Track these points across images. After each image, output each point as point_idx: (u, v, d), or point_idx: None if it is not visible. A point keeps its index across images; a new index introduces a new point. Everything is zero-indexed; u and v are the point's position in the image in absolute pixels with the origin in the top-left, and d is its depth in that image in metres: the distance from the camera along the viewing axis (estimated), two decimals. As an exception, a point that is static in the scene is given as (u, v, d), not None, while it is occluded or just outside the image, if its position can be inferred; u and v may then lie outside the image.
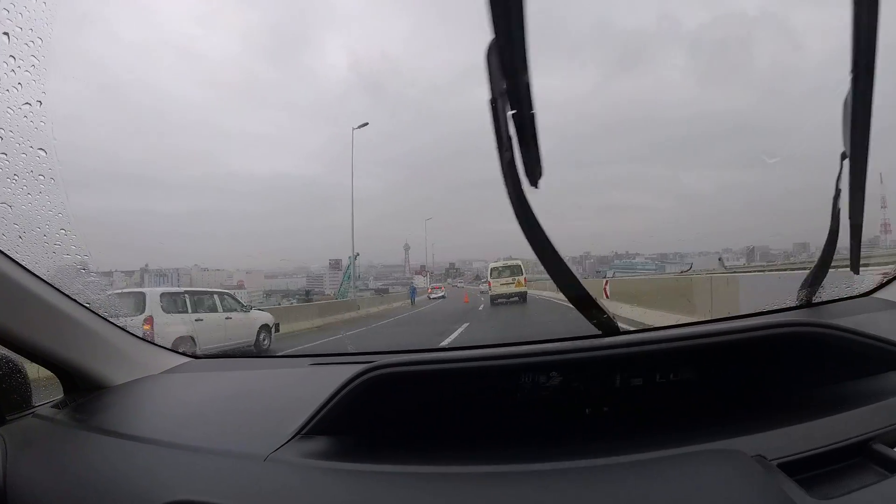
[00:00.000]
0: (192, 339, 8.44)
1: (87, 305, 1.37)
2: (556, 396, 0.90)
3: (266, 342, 10.71)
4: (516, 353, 0.87)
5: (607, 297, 13.55)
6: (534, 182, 0.90)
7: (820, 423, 0.81)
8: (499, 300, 20.90)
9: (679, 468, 0.72)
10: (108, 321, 1.44)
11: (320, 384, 0.97)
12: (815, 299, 1.58)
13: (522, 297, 21.06)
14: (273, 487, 0.82)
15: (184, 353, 1.71)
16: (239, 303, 10.76)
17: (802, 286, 1.50)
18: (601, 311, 1.15)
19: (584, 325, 1.20)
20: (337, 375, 0.95)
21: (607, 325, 1.17)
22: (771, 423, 0.82)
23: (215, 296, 10.18)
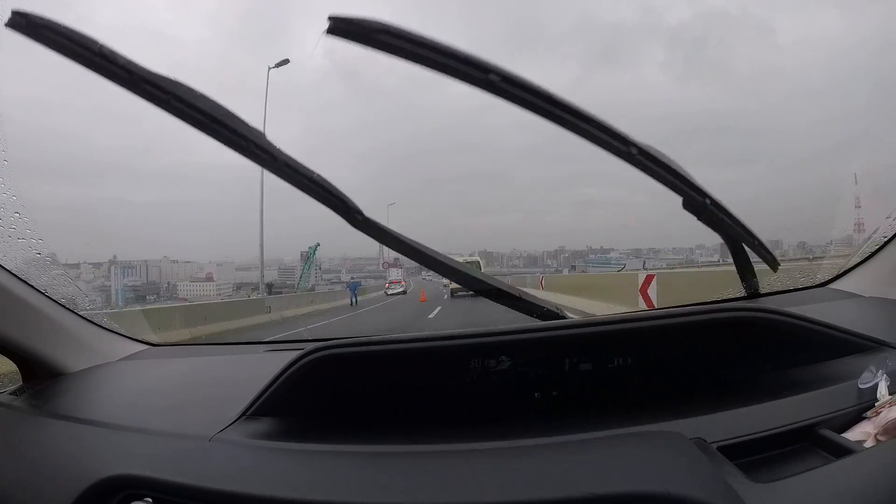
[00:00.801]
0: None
1: (45, 292, 1.33)
2: (505, 381, 0.90)
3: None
4: (463, 335, 0.86)
5: (542, 288, 14.90)
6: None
7: (764, 407, 0.81)
8: (458, 293, 22.78)
9: (616, 447, 0.72)
10: (66, 308, 1.41)
11: (273, 369, 0.95)
12: (769, 289, 1.60)
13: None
14: (217, 466, 0.82)
15: (141, 341, 1.69)
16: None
17: (750, 277, 1.50)
18: (534, 302, 1.16)
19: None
20: (286, 359, 0.95)
21: (551, 315, 1.17)
22: (714, 406, 0.82)
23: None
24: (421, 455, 0.78)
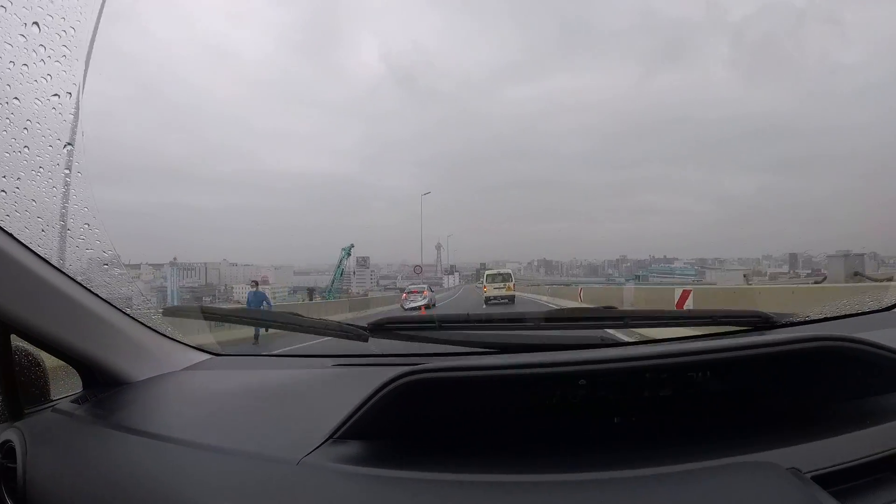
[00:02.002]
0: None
1: (109, 300, 1.36)
2: (585, 405, 0.89)
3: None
4: (550, 362, 0.85)
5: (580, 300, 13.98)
6: None
7: (851, 437, 0.81)
8: (492, 301, 25.07)
9: (715, 480, 0.71)
10: (130, 316, 1.43)
11: (347, 386, 0.99)
12: (835, 313, 1.59)
13: (511, 299, 25.60)
14: (307, 493, 0.80)
15: (205, 350, 1.70)
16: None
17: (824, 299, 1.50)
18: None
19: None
20: (362, 378, 0.97)
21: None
22: (801, 436, 0.81)
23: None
24: (511, 486, 0.77)
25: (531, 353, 1.02)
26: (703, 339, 1.48)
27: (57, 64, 1.19)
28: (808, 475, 0.71)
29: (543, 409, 0.90)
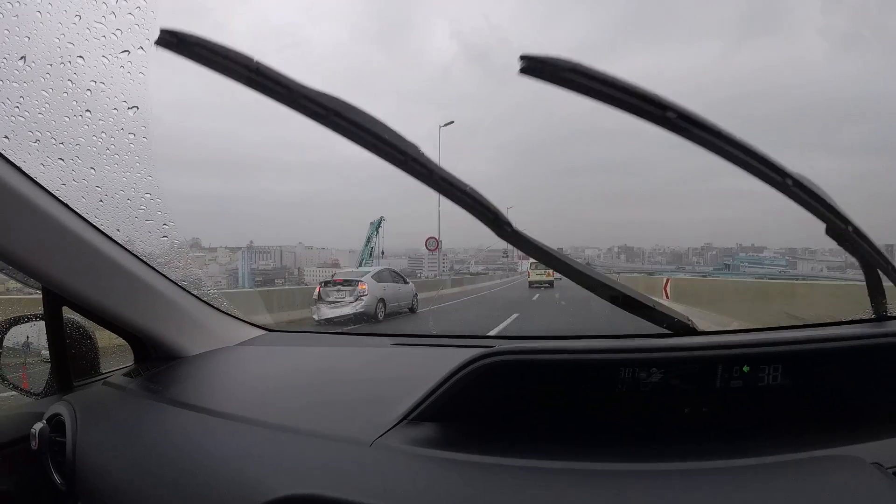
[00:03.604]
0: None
1: (164, 273, 1.32)
2: (655, 393, 0.88)
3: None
4: (624, 348, 0.85)
5: (667, 298, 13.89)
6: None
7: None
8: (534, 285, 28.53)
9: (797, 474, 0.70)
10: (185, 289, 1.39)
11: (409, 366, 0.99)
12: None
13: (551, 283, 28.22)
14: (381, 475, 0.78)
15: (259, 326, 1.66)
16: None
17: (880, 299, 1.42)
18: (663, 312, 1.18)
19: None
20: (424, 358, 0.97)
21: (681, 326, 1.19)
22: (882, 431, 0.81)
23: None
24: (585, 474, 0.75)
25: (605, 339, 1.02)
26: (777, 329, 1.47)
27: (129, 16, 1.10)
28: (891, 470, 0.70)
29: (614, 396, 0.89)
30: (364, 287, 11.40)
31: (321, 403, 1.07)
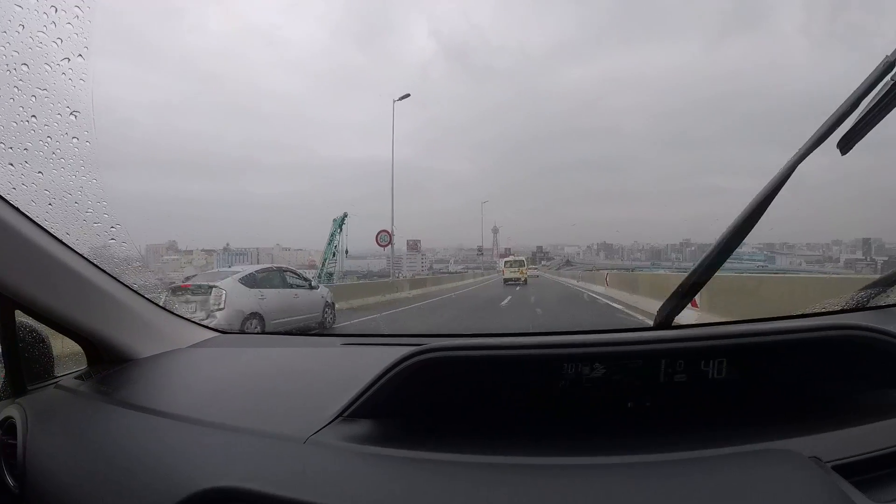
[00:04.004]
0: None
1: (115, 276, 1.33)
2: (598, 388, 0.88)
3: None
4: (564, 343, 0.85)
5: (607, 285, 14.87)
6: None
7: (871, 428, 0.80)
8: (509, 282, 30.81)
9: (735, 467, 0.70)
10: (136, 292, 1.40)
11: (355, 365, 0.97)
12: (873, 303, 1.57)
13: (524, 281, 31.49)
14: (315, 472, 0.78)
15: (211, 328, 1.67)
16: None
17: (863, 288, 1.49)
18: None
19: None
20: (371, 357, 0.96)
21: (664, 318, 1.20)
22: (822, 425, 0.81)
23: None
24: (523, 469, 0.75)
25: (545, 335, 0.99)
26: (722, 325, 1.48)
27: (69, 26, 1.13)
28: (830, 464, 0.71)
29: (556, 392, 0.89)
30: (222, 295, 7.82)
31: (263, 402, 1.09)
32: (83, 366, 1.36)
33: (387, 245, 25.36)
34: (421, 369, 0.85)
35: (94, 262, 1.27)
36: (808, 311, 1.64)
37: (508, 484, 0.72)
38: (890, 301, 1.61)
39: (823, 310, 1.58)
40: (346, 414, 0.91)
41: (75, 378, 1.28)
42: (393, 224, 25.95)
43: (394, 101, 28.01)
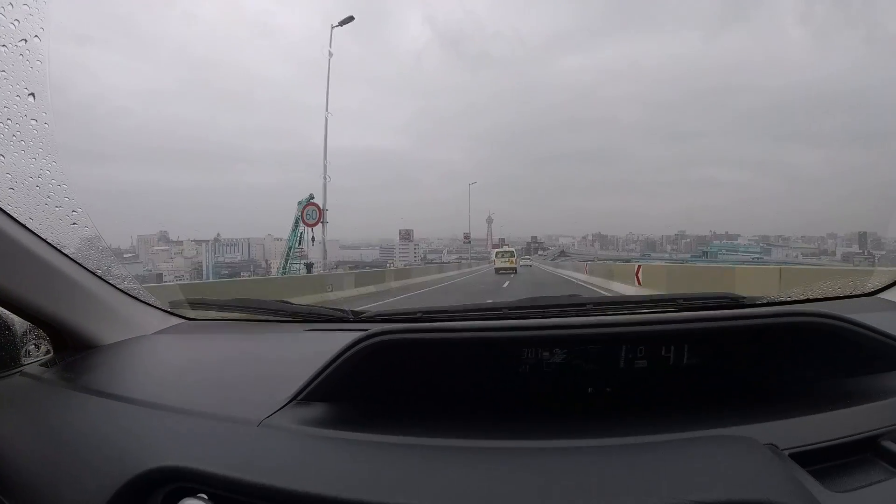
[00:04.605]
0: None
1: (80, 262, 1.31)
2: (558, 373, 0.89)
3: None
4: (520, 326, 0.85)
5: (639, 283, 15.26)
6: None
7: (829, 416, 0.81)
8: (500, 271, 32.96)
9: (691, 451, 0.71)
10: (101, 278, 1.39)
11: (316, 349, 0.96)
12: (818, 295, 1.60)
13: (514, 270, 34.19)
14: (266, 454, 0.78)
15: (177, 315, 1.67)
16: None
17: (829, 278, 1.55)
18: None
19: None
20: (333, 341, 0.93)
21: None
22: (780, 412, 0.82)
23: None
24: (479, 451, 0.75)
25: (503, 320, 1.01)
26: (684, 311, 1.50)
27: (25, 7, 1.11)
28: (786, 452, 0.72)
29: (516, 376, 0.89)
30: None
31: (221, 387, 1.10)
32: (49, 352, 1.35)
33: (315, 223, 20.60)
34: (374, 353, 0.85)
35: (58, 247, 1.25)
36: (760, 302, 1.65)
37: (464, 466, 0.72)
38: (847, 293, 1.66)
39: (789, 298, 1.61)
40: (300, 398, 0.91)
41: (40, 366, 1.26)
42: (326, 194, 21.47)
43: (332, 28, 22.01)
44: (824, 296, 1.64)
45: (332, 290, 14.88)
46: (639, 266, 15.43)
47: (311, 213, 20.81)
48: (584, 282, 21.21)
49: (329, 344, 0.93)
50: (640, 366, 0.88)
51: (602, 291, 13.86)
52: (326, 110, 22.27)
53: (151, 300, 1.60)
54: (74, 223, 1.32)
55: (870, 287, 1.65)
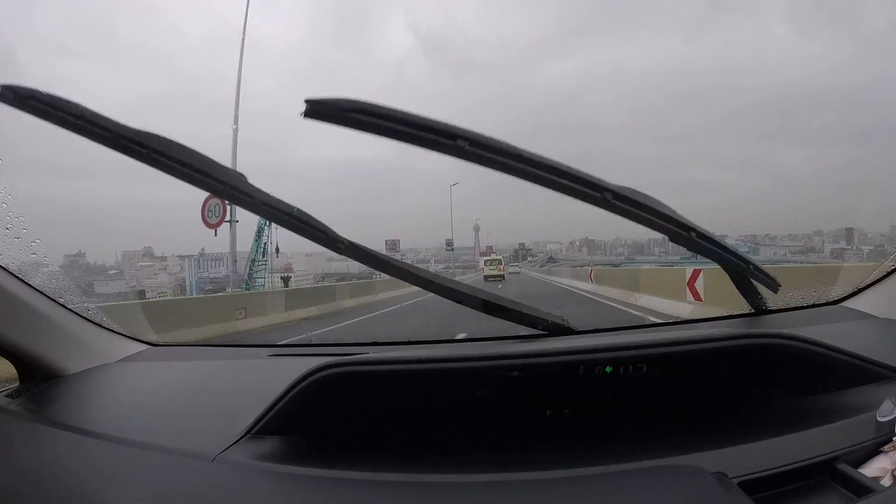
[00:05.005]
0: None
1: (41, 290, 1.31)
2: (516, 397, 0.89)
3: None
4: (479, 356, 0.85)
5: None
6: None
7: (783, 440, 0.79)
8: (489, 279, 32.95)
9: (638, 483, 0.70)
10: (63, 306, 1.38)
11: (277, 378, 0.94)
12: (783, 305, 1.59)
13: (502, 277, 35.05)
14: (220, 490, 0.78)
15: (142, 341, 1.65)
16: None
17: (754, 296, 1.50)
18: (535, 315, 1.24)
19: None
20: (295, 369, 0.91)
21: (557, 327, 1.24)
22: (734, 438, 0.80)
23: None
24: (434, 487, 0.75)
25: (462, 343, 0.96)
26: (643, 329, 1.54)
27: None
28: (735, 480, 0.70)
29: (473, 401, 0.89)
30: None
31: (180, 418, 1.08)
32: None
33: (218, 224, 16.87)
34: (327, 385, 0.84)
35: (18, 275, 1.25)
36: (728, 315, 1.67)
37: (415, 502, 0.73)
38: (812, 302, 1.67)
39: (751, 311, 1.57)
40: (254, 430, 0.90)
41: (6, 396, 1.26)
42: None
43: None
44: (788, 306, 1.63)
45: (243, 317, 11.49)
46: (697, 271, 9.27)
47: (213, 209, 16.31)
48: (592, 294, 16.48)
49: (291, 371, 0.91)
50: (599, 388, 0.89)
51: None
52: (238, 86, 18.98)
53: (114, 327, 1.59)
54: (34, 253, 1.33)
55: (834, 296, 1.65)
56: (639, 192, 1.03)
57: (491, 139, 0.92)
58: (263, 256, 24.33)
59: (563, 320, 1.26)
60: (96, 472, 0.88)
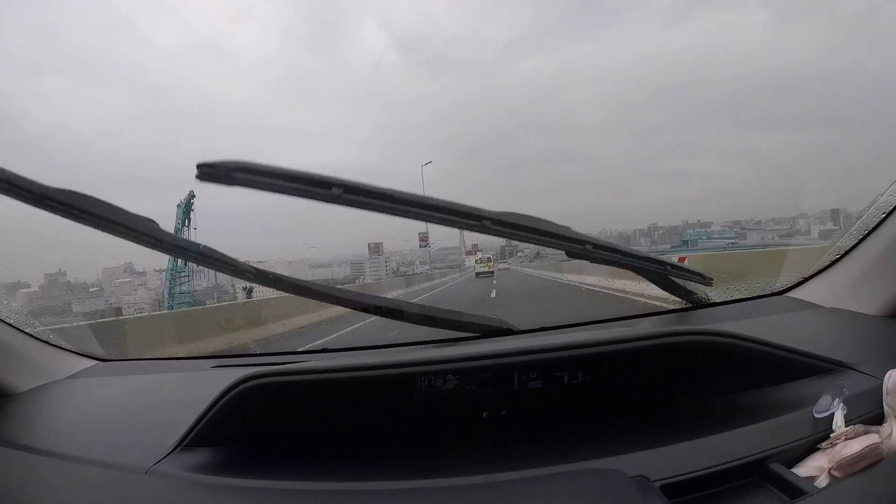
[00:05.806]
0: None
1: None
2: (453, 400, 0.89)
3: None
4: (409, 363, 0.84)
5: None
6: None
7: (712, 440, 0.77)
8: (480, 275, 34.46)
9: (556, 487, 0.68)
10: (11, 325, 1.40)
11: (216, 390, 0.92)
12: (728, 297, 1.60)
13: (492, 273, 35.24)
14: (150, 503, 0.78)
15: (90, 356, 1.66)
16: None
17: (686, 294, 1.51)
18: (471, 322, 1.28)
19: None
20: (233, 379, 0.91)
21: (495, 330, 1.28)
22: (661, 439, 0.78)
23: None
24: (354, 495, 0.75)
25: (411, 347, 1.00)
26: (585, 326, 1.51)
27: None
28: (657, 483, 0.68)
29: (409, 407, 0.89)
30: None
31: (119, 432, 1.09)
32: None
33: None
34: (253, 395, 0.84)
35: None
36: (666, 308, 1.66)
37: None
38: (756, 293, 1.65)
39: (691, 305, 1.58)
40: (185, 442, 0.90)
41: None
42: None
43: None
44: (731, 298, 1.62)
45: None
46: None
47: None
48: (578, 283, 14.88)
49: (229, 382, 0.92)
50: (534, 387, 0.89)
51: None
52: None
53: (63, 344, 1.59)
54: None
55: (778, 286, 1.63)
56: (523, 216, 1.09)
57: (362, 184, 1.01)
58: (186, 265, 22.31)
59: (501, 322, 1.29)
60: (38, 489, 0.89)
